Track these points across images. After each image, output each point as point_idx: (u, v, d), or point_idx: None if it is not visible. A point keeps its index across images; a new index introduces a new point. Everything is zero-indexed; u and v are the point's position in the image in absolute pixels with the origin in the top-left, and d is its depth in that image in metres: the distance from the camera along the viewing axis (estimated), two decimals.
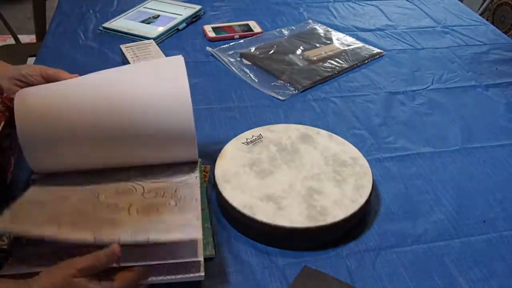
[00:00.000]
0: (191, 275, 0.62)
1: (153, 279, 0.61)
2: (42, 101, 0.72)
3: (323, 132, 0.86)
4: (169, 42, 1.22)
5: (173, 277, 0.62)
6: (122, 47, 1.10)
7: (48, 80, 0.77)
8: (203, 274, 0.62)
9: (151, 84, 0.73)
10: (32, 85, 0.76)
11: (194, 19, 1.33)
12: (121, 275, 0.59)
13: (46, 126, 0.70)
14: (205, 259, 0.66)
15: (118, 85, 0.73)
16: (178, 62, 0.75)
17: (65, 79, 0.76)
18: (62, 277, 0.56)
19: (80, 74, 0.82)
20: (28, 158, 0.71)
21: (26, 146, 0.70)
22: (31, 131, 0.70)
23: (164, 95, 0.72)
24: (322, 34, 1.29)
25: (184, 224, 0.65)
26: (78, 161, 0.74)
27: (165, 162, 0.77)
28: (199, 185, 0.73)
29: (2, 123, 0.72)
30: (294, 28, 1.31)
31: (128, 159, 0.75)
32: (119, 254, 0.59)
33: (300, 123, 0.89)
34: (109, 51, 1.16)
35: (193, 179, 0.75)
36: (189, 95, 0.71)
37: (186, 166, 0.77)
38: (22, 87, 0.75)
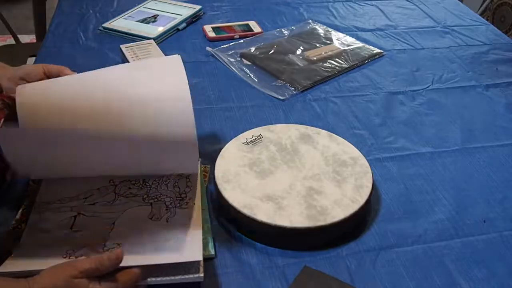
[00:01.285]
0: (191, 276, 0.62)
1: (152, 279, 0.62)
2: (43, 102, 0.70)
3: (323, 132, 0.86)
4: (169, 42, 1.22)
5: (172, 278, 0.62)
6: (122, 47, 1.10)
7: (50, 76, 0.78)
8: (202, 275, 0.62)
9: (151, 88, 0.71)
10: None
11: (194, 19, 1.33)
12: (121, 275, 0.59)
13: (47, 127, 0.69)
14: (205, 259, 0.66)
15: (119, 89, 0.71)
16: (176, 63, 0.73)
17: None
18: (63, 278, 0.56)
19: None
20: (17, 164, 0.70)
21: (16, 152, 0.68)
22: (33, 129, 0.69)
23: (164, 100, 0.70)
24: (322, 34, 1.29)
25: (186, 242, 0.65)
26: (76, 166, 0.73)
27: (164, 172, 0.76)
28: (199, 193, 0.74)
29: (2, 121, 0.72)
30: (294, 28, 1.31)
31: (127, 165, 0.74)
32: (121, 260, 0.59)
33: (300, 123, 0.89)
34: (109, 51, 1.16)
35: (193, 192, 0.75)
36: (190, 101, 0.69)
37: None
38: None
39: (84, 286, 0.56)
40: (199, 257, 0.62)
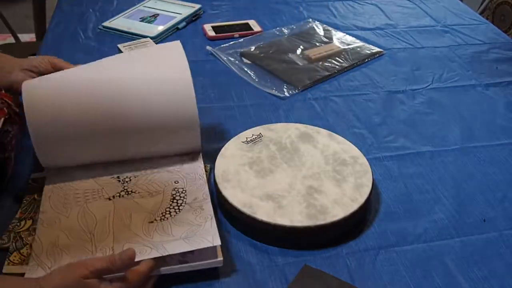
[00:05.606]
0: (210, 261, 0.63)
1: (167, 268, 0.62)
2: (49, 94, 0.73)
3: (323, 131, 0.86)
4: (168, 41, 1.22)
5: (190, 264, 0.63)
6: (120, 46, 1.10)
7: (55, 68, 0.82)
8: (221, 258, 0.63)
9: (152, 73, 0.76)
10: (43, 73, 0.80)
11: (194, 18, 1.33)
12: (130, 273, 0.59)
13: (54, 118, 0.72)
14: None
15: (121, 76, 0.75)
16: (176, 47, 0.79)
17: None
18: (74, 278, 0.56)
19: None
20: (37, 151, 0.72)
21: (36, 139, 0.71)
22: (41, 123, 0.71)
23: (166, 81, 0.75)
24: (322, 33, 1.29)
25: (202, 229, 0.66)
26: (85, 155, 0.75)
27: (169, 151, 0.79)
28: (205, 180, 0.75)
29: (2, 119, 0.73)
30: (294, 27, 1.31)
31: (134, 147, 0.77)
32: (133, 260, 0.59)
33: (300, 122, 0.89)
34: (109, 50, 1.15)
35: (199, 174, 0.77)
36: (191, 79, 0.75)
37: (190, 161, 0.79)
38: (34, 77, 0.79)
39: (95, 287, 0.56)
40: (218, 241, 0.63)
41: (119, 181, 0.75)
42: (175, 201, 0.72)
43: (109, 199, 0.72)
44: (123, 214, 0.70)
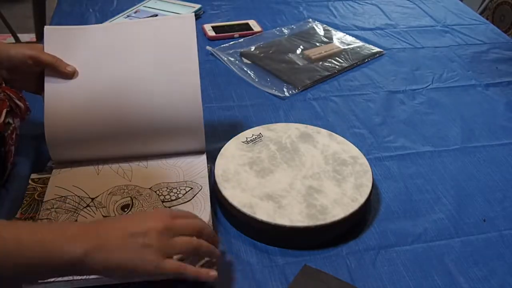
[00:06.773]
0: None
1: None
2: (69, 89, 0.76)
3: (323, 131, 0.86)
4: None
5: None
6: None
7: (39, 65, 0.75)
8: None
9: (162, 74, 0.79)
10: (17, 67, 0.75)
11: None
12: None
13: (70, 111, 0.76)
14: None
15: (133, 80, 0.78)
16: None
17: (61, 70, 0.76)
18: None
19: None
20: (49, 142, 0.75)
21: (50, 133, 0.75)
22: (57, 116, 0.75)
23: (175, 83, 0.78)
24: (322, 33, 1.29)
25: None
26: (93, 150, 0.78)
27: (173, 150, 0.81)
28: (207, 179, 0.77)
29: (4, 111, 0.73)
30: (294, 27, 1.31)
31: (141, 145, 0.79)
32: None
33: (300, 122, 0.89)
34: None
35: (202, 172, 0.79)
36: (199, 89, 0.78)
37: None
38: (7, 69, 0.75)
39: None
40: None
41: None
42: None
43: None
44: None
